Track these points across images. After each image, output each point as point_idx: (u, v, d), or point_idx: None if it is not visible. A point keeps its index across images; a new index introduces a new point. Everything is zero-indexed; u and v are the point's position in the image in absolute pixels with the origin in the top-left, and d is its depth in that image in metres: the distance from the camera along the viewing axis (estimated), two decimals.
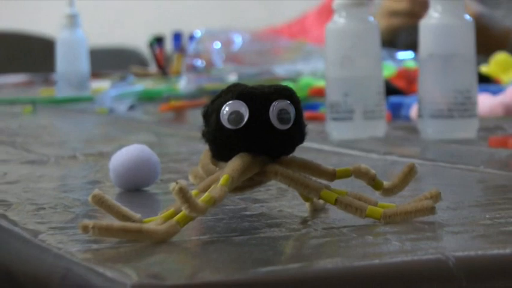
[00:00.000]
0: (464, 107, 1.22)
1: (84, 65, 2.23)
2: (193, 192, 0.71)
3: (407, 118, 1.41)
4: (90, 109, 1.92)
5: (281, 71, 1.91)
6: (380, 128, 1.25)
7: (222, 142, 0.74)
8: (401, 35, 2.44)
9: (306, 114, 1.45)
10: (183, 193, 0.68)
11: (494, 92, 1.49)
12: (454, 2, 1.22)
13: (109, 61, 3.40)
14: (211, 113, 0.74)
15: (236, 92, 0.73)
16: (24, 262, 0.74)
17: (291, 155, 0.76)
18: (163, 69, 2.62)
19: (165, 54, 2.78)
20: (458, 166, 1.04)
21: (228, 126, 0.72)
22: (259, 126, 0.73)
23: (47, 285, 0.70)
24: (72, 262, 0.67)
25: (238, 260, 0.67)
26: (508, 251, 0.65)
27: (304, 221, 0.74)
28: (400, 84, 1.56)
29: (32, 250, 0.74)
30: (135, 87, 2.09)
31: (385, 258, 0.65)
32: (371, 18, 1.27)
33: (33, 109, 1.94)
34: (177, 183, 0.68)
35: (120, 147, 0.96)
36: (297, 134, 0.75)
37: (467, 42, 1.23)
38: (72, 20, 2.22)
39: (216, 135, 0.74)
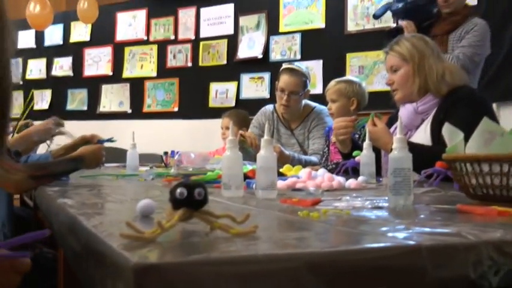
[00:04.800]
0: (272, 186, 1.18)
1: (136, 162, 2.18)
2: (163, 221, 0.65)
3: (252, 189, 1.36)
4: (137, 179, 1.83)
5: (209, 167, 1.87)
6: (241, 193, 1.20)
7: (175, 203, 0.68)
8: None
9: (215, 185, 1.42)
10: (158, 223, 0.63)
11: (284, 180, 1.46)
12: (268, 148, 1.19)
13: (146, 160, 3.29)
14: (173, 191, 0.69)
15: (182, 184, 0.68)
16: (99, 247, 0.67)
17: (204, 207, 0.70)
18: (167, 164, 2.56)
19: (168, 158, 2.72)
20: (269, 211, 0.99)
21: (178, 197, 0.67)
22: (190, 198, 0.67)
23: (103, 257, 0.63)
24: (114, 249, 0.61)
25: (181, 251, 0.62)
26: (285, 251, 0.61)
27: (207, 234, 0.69)
28: (251, 174, 1.52)
29: (100, 244, 0.67)
30: (155, 171, 2.02)
31: (234, 252, 0.60)
32: (238, 152, 1.22)
33: (117, 178, 1.86)
34: (158, 220, 0.64)
35: (144, 198, 0.89)
36: (204, 199, 0.69)
37: (272, 162, 1.19)
38: (133, 146, 2.17)
39: (174, 201, 0.68)
